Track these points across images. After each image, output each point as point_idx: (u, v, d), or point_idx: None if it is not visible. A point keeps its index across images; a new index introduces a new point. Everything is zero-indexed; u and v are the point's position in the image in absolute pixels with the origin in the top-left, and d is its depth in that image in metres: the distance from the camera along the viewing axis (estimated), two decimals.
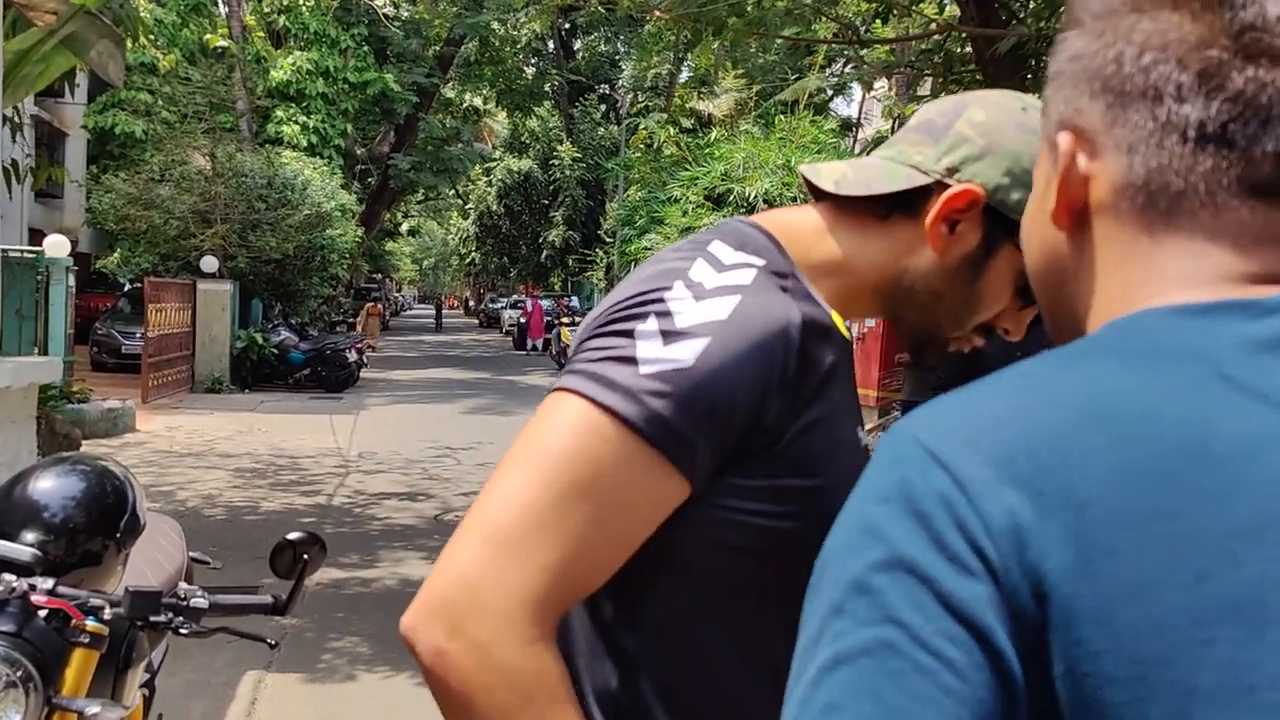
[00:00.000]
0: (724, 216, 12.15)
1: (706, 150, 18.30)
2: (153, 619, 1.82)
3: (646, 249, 16.10)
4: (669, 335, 0.92)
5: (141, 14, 9.31)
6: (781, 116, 17.91)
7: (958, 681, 0.52)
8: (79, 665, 1.78)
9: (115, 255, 20.88)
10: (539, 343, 29.29)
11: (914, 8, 11.42)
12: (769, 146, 16.27)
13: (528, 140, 40.65)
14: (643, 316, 0.94)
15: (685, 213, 16.39)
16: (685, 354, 0.91)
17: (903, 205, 1.05)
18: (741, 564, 0.98)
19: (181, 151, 18.11)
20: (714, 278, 0.97)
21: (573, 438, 0.90)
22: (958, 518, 0.54)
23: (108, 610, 1.79)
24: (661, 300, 0.94)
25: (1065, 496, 0.53)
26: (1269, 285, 0.59)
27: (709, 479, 0.94)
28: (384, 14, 24.14)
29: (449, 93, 31.40)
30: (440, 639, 0.87)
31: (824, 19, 12.90)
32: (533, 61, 36.28)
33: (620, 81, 36.57)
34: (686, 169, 17.80)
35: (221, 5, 22.64)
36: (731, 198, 15.64)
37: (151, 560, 2.40)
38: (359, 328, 27.45)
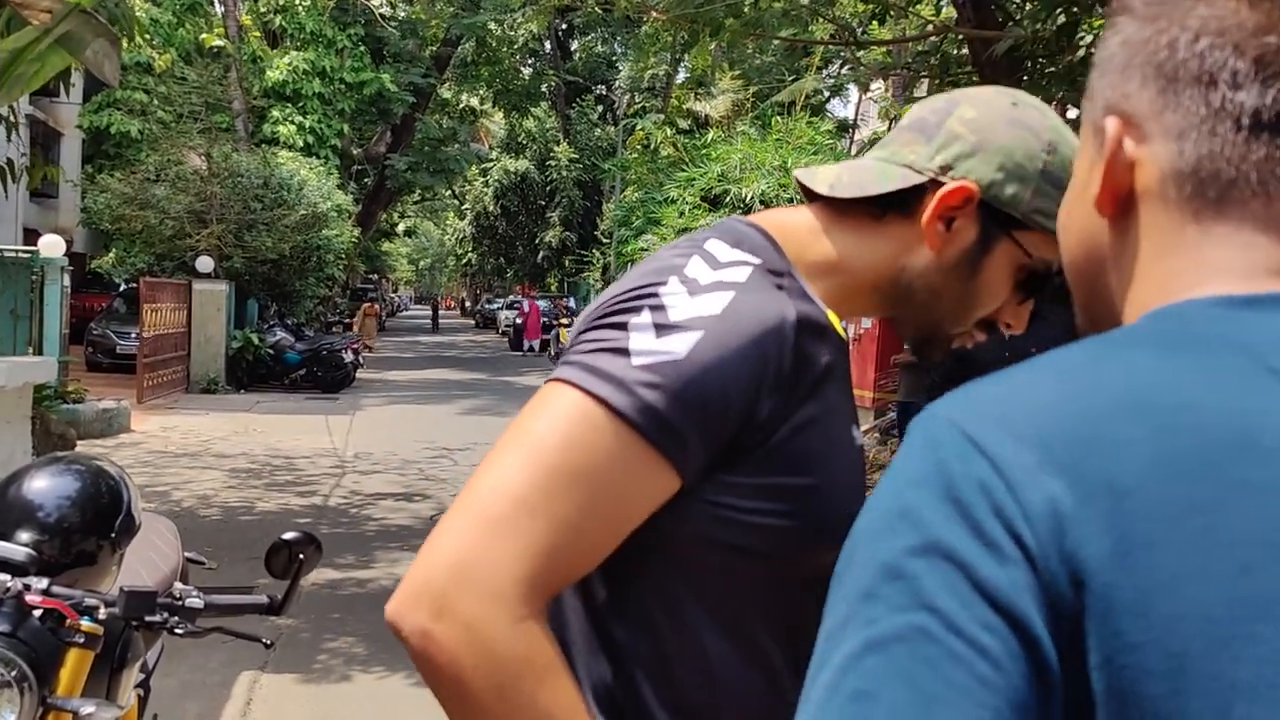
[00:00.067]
0: (720, 217, 12.16)
1: (703, 151, 18.31)
2: (148, 619, 1.82)
3: (643, 250, 16.11)
4: (662, 328, 0.92)
5: (137, 13, 9.30)
6: (778, 118, 17.93)
7: (993, 670, 0.51)
8: (74, 665, 1.77)
9: (110, 255, 20.84)
10: (535, 344, 29.28)
11: (911, 9, 11.43)
12: (766, 147, 16.28)
13: (524, 141, 40.65)
14: (637, 310, 0.94)
15: (682, 214, 16.39)
16: (677, 346, 0.91)
17: (898, 205, 1.06)
18: (735, 560, 0.98)
19: (177, 151, 18.09)
20: (709, 274, 0.97)
21: (564, 426, 0.90)
22: (996, 504, 0.53)
23: (103, 610, 1.79)
24: (656, 295, 0.95)
25: (1106, 485, 0.52)
26: None
27: (700, 474, 0.94)
28: (380, 14, 24.15)
29: (446, 93, 31.39)
30: (425, 620, 0.86)
31: (821, 20, 12.90)
32: (529, 62, 36.29)
33: (617, 82, 36.57)
34: (683, 170, 17.81)
35: (217, 5, 22.63)
36: (728, 199, 15.64)
37: (146, 560, 2.40)
38: (356, 328, 27.43)
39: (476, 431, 12.56)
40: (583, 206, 37.92)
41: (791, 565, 1.01)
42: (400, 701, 4.36)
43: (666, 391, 0.90)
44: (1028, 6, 8.99)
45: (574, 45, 38.59)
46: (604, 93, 38.40)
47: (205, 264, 17.03)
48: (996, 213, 1.04)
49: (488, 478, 0.91)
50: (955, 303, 1.08)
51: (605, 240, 27.95)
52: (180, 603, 1.87)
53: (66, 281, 12.47)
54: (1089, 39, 8.28)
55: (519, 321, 31.51)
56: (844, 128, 24.29)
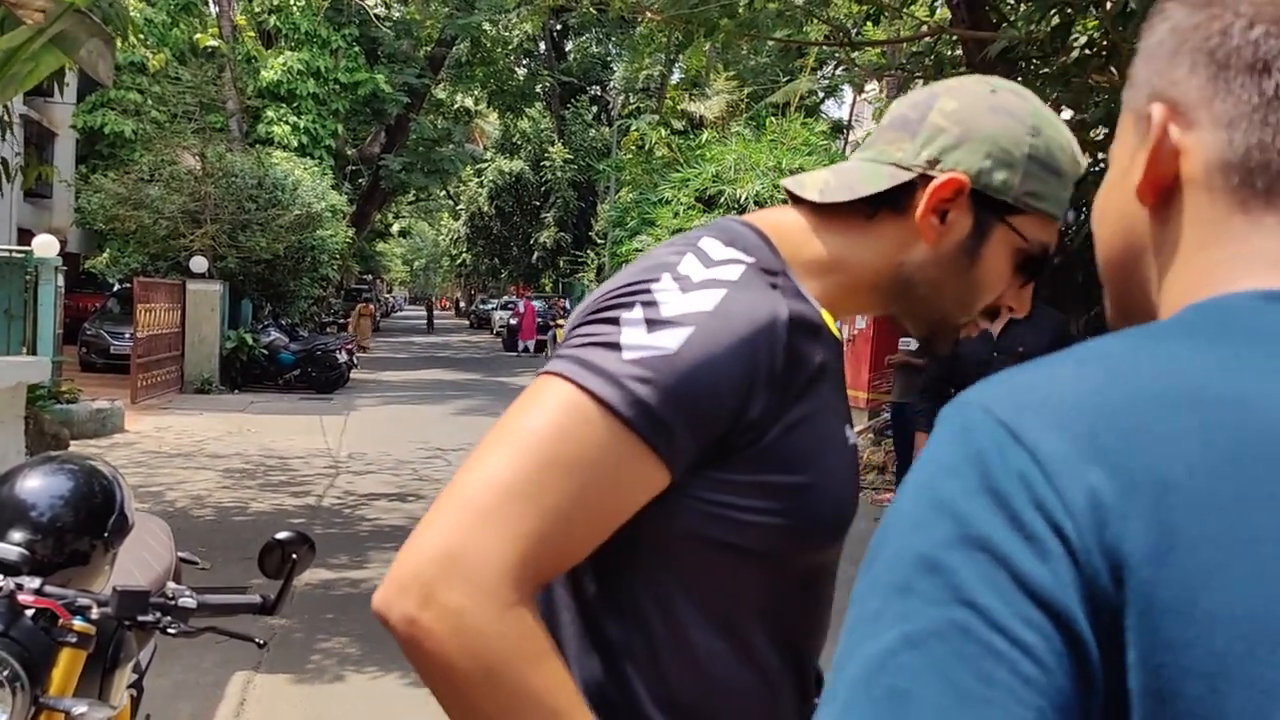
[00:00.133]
0: (715, 218, 12.16)
1: (698, 152, 18.31)
2: (140, 619, 1.81)
3: (638, 250, 16.11)
4: (653, 324, 0.93)
5: (131, 13, 9.29)
6: (773, 118, 17.94)
7: (1036, 669, 0.49)
8: (66, 665, 1.77)
9: (104, 255, 20.79)
10: (530, 344, 29.24)
11: (905, 10, 11.45)
12: (760, 148, 16.29)
13: (519, 141, 40.62)
14: (629, 305, 0.95)
15: (676, 214, 16.39)
16: (668, 342, 0.92)
17: (889, 203, 1.06)
18: (727, 558, 0.98)
19: (171, 151, 18.06)
20: (702, 272, 0.98)
21: (554, 418, 0.91)
22: (1036, 496, 0.51)
23: (95, 610, 1.78)
24: (648, 291, 0.96)
25: (1149, 477, 0.50)
26: None
27: (690, 469, 0.94)
28: (375, 14, 24.10)
29: (440, 93, 31.37)
30: (412, 609, 0.86)
31: (815, 21, 12.92)
32: (524, 62, 36.28)
33: (612, 83, 36.57)
34: (678, 170, 17.81)
35: (212, 5, 22.58)
36: (723, 199, 15.65)
37: (140, 560, 2.39)
38: (351, 328, 27.41)
39: (470, 432, 12.54)
40: (577, 207, 37.91)
41: (784, 563, 1.01)
42: (394, 701, 4.36)
43: (656, 386, 0.90)
44: (1022, 8, 9.01)
45: (569, 46, 38.58)
46: (599, 93, 38.39)
47: (199, 264, 17.00)
48: (988, 200, 1.04)
49: (477, 468, 0.91)
50: (958, 293, 1.08)
51: (600, 241, 27.94)
52: (173, 602, 1.87)
53: (60, 281, 12.44)
54: (1082, 40, 8.31)
55: (513, 322, 31.47)
56: (838, 129, 24.31)
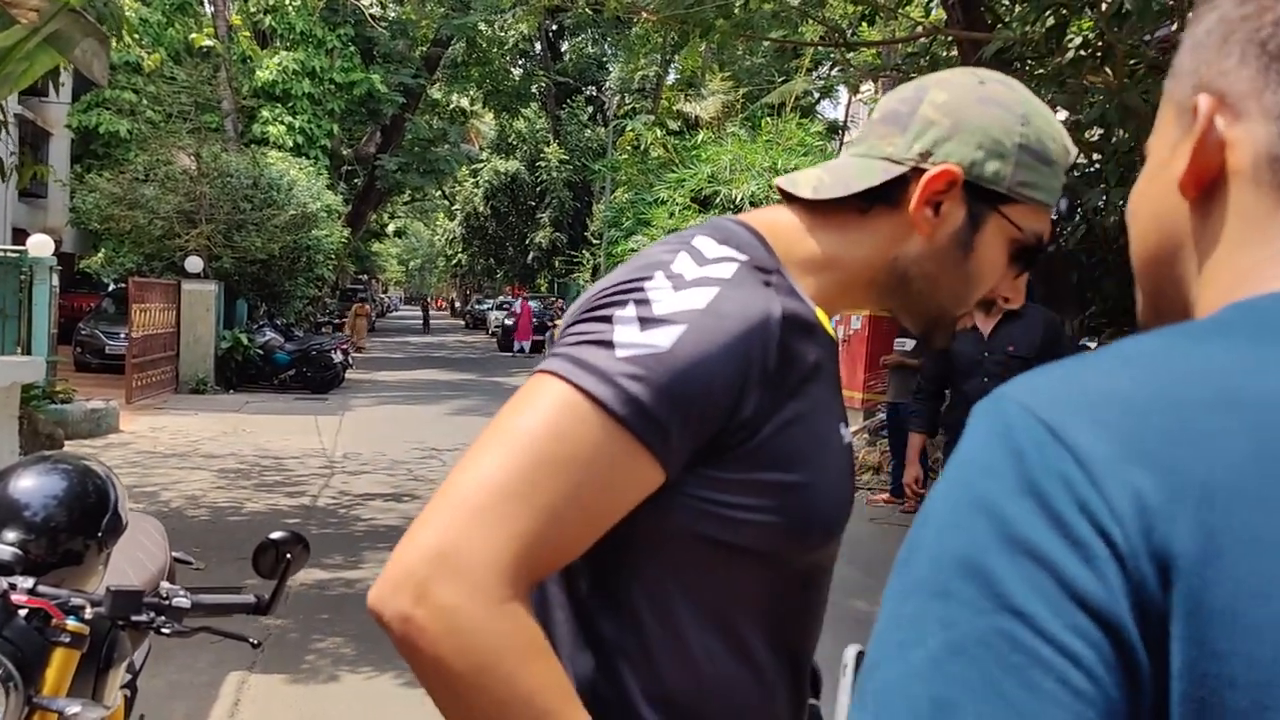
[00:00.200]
0: (710, 218, 12.18)
1: (693, 152, 18.34)
2: (134, 618, 1.81)
3: (633, 250, 16.11)
4: (646, 322, 0.93)
5: (126, 13, 9.28)
6: (768, 119, 17.96)
7: (1085, 679, 0.47)
8: (59, 665, 1.77)
9: (99, 255, 20.78)
10: (525, 345, 29.21)
11: (900, 11, 11.46)
12: (756, 149, 16.31)
13: (515, 142, 40.61)
14: (622, 304, 0.95)
15: (672, 214, 16.41)
16: (660, 339, 0.92)
17: (882, 198, 1.06)
18: (721, 555, 0.99)
19: (166, 151, 18.04)
20: (694, 270, 0.98)
21: (548, 416, 0.91)
22: (1079, 498, 0.49)
23: (89, 610, 1.78)
24: (641, 289, 0.96)
25: (1193, 479, 0.48)
26: None
27: (684, 467, 0.95)
28: (371, 14, 24.08)
29: (436, 94, 31.36)
30: (406, 605, 0.86)
31: (811, 22, 12.93)
32: (520, 63, 36.26)
33: (607, 83, 36.56)
34: (673, 171, 17.83)
35: (207, 4, 22.55)
36: (718, 200, 15.66)
37: (134, 560, 2.39)
38: (348, 328, 27.39)
39: (465, 432, 12.54)
40: (573, 207, 37.92)
41: (779, 561, 1.01)
42: (389, 701, 4.35)
43: (649, 383, 0.90)
44: (1017, 8, 9.02)
45: (564, 46, 38.58)
46: (594, 94, 38.40)
47: (194, 264, 16.98)
48: (981, 191, 1.05)
49: (471, 466, 0.91)
50: (954, 285, 1.09)
51: (595, 241, 27.96)
52: (167, 602, 1.86)
53: (55, 281, 12.42)
54: (1077, 41, 8.32)
55: (508, 323, 31.45)
56: (834, 129, 24.32)
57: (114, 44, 6.70)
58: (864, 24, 12.18)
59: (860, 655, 0.79)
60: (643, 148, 22.22)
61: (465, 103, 34.07)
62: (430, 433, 12.58)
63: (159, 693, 4.05)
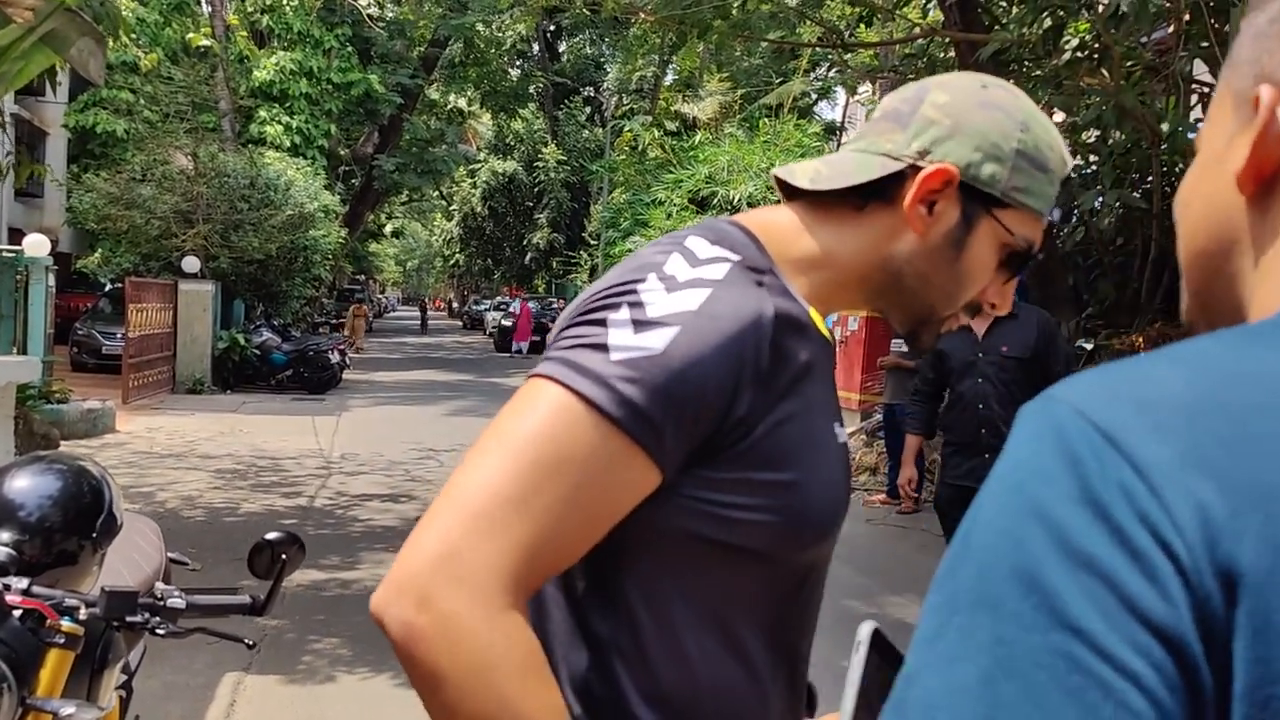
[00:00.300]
0: (707, 219, 12.19)
1: (691, 153, 18.35)
2: (129, 619, 1.80)
3: (630, 251, 16.15)
4: (640, 324, 0.93)
5: (123, 12, 9.27)
6: (766, 120, 17.98)
7: (1148, 704, 0.45)
8: (54, 666, 1.76)
9: (96, 255, 20.75)
10: (524, 346, 29.19)
11: (898, 12, 11.47)
12: (753, 150, 16.32)
13: (512, 142, 40.63)
14: (616, 307, 0.95)
15: (670, 215, 16.42)
16: (655, 342, 0.92)
17: (878, 194, 1.07)
18: (716, 554, 0.99)
19: (163, 151, 18.03)
20: (687, 271, 0.98)
21: (544, 421, 0.92)
22: (1140, 509, 0.46)
23: (83, 610, 1.78)
24: (635, 291, 0.96)
25: (1259, 491, 0.46)
26: None
27: (680, 468, 0.95)
28: (368, 14, 24.09)
29: (433, 94, 31.36)
30: (409, 612, 0.87)
31: (808, 23, 12.94)
32: (517, 63, 36.26)
33: (605, 84, 36.59)
34: (671, 172, 17.85)
35: (204, 4, 22.55)
36: (716, 200, 15.67)
37: (129, 560, 2.39)
38: (347, 329, 27.39)
39: (463, 433, 12.54)
40: (570, 208, 37.93)
41: (774, 561, 1.01)
42: (385, 703, 4.35)
43: (644, 385, 0.91)
44: (1014, 10, 9.03)
45: (562, 47, 38.60)
46: (592, 94, 38.41)
47: (191, 264, 16.97)
48: (976, 193, 1.05)
49: (470, 473, 0.91)
50: (944, 285, 1.09)
51: (593, 242, 27.97)
52: (162, 603, 1.86)
53: (51, 281, 12.41)
54: (1074, 43, 8.33)
55: (505, 323, 31.43)
56: (831, 130, 24.35)
57: (111, 43, 6.69)
58: (861, 25, 12.18)
59: (876, 633, 0.77)
60: (640, 148, 22.24)
61: (463, 103, 34.07)
62: (428, 433, 12.57)
63: (154, 694, 4.05)
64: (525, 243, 40.41)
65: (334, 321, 29.21)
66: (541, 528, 0.89)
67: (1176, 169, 8.88)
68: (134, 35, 18.37)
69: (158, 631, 1.86)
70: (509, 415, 0.94)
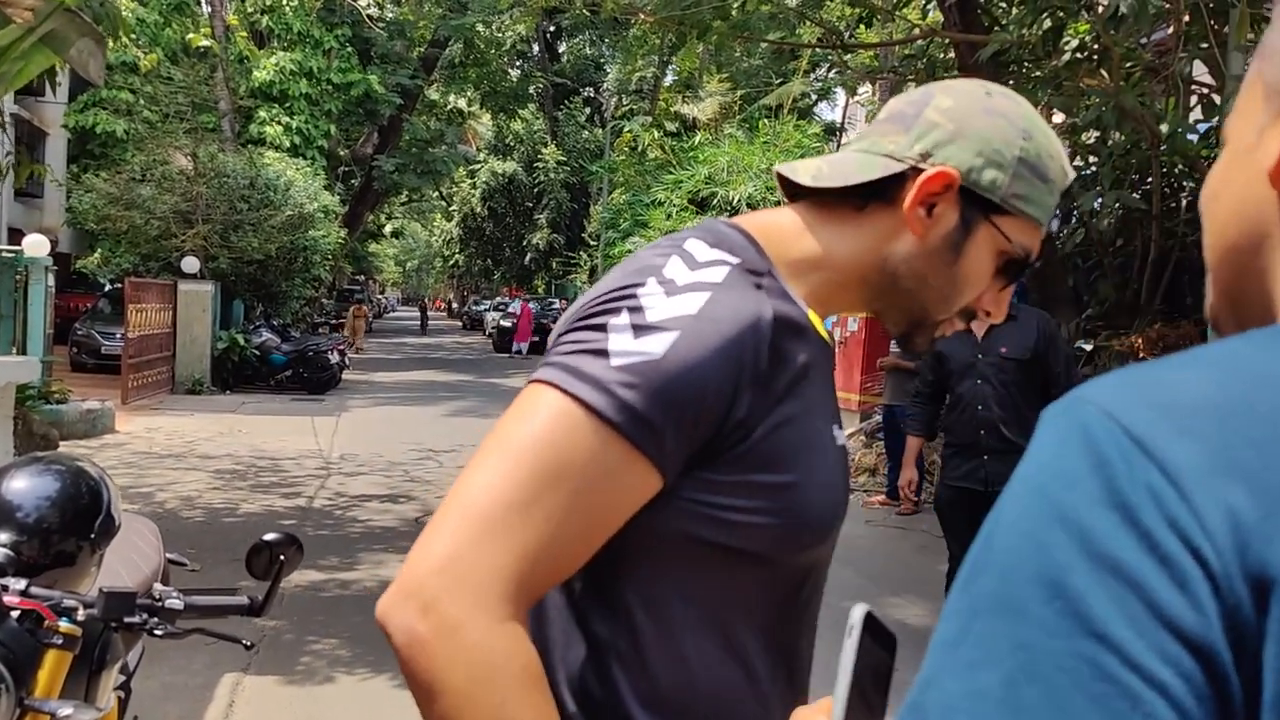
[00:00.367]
0: (706, 220, 12.20)
1: (691, 154, 18.35)
2: (127, 620, 1.80)
3: (630, 252, 16.15)
4: (640, 329, 0.94)
5: (123, 13, 9.27)
6: (765, 120, 17.98)
7: (1176, 715, 0.43)
8: (52, 666, 1.76)
9: (95, 255, 20.76)
10: (524, 346, 29.19)
11: (897, 13, 11.47)
12: (753, 150, 16.33)
13: (512, 143, 40.64)
14: (616, 311, 0.96)
15: (669, 216, 16.42)
16: (655, 347, 0.92)
17: (879, 194, 1.07)
18: (715, 556, 0.99)
19: (163, 151, 18.04)
20: (687, 274, 0.98)
21: (545, 427, 0.92)
22: (1169, 513, 0.45)
23: (81, 611, 1.77)
24: (634, 296, 0.96)
25: None
26: None
27: (681, 471, 0.96)
28: (368, 15, 24.10)
29: (433, 94, 31.37)
30: (413, 619, 0.88)
31: (808, 23, 12.94)
32: (517, 64, 36.28)
33: (605, 84, 36.59)
34: (671, 172, 17.85)
35: (204, 5, 22.55)
36: (715, 201, 15.67)
37: (127, 561, 2.38)
38: (347, 329, 27.39)
39: (462, 433, 12.54)
40: (570, 208, 37.93)
41: (772, 563, 1.02)
42: (384, 704, 4.35)
43: (644, 391, 0.91)
44: (1014, 11, 9.03)
45: (562, 47, 38.60)
46: (592, 95, 38.42)
47: (191, 264, 16.97)
48: (976, 198, 1.06)
49: (473, 480, 0.92)
50: (940, 288, 1.09)
51: (593, 242, 27.97)
52: (160, 604, 1.86)
53: (51, 281, 12.41)
54: (1073, 44, 8.33)
55: (504, 324, 31.44)
56: (831, 131, 24.37)
57: (111, 44, 6.70)
58: (861, 26, 12.18)
59: (869, 616, 0.77)
60: (640, 149, 22.25)
61: (463, 103, 34.09)
62: (427, 434, 12.57)
63: (153, 694, 4.05)
64: (525, 243, 40.41)
65: (333, 322, 29.23)
66: (544, 535, 0.90)
67: (1176, 170, 8.88)
68: (134, 35, 18.37)
69: (156, 632, 1.85)
70: (511, 421, 0.95)
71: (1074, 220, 9.33)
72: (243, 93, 22.85)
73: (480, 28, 26.75)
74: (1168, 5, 7.24)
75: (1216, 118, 7.60)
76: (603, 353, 0.93)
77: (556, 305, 32.08)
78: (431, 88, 30.19)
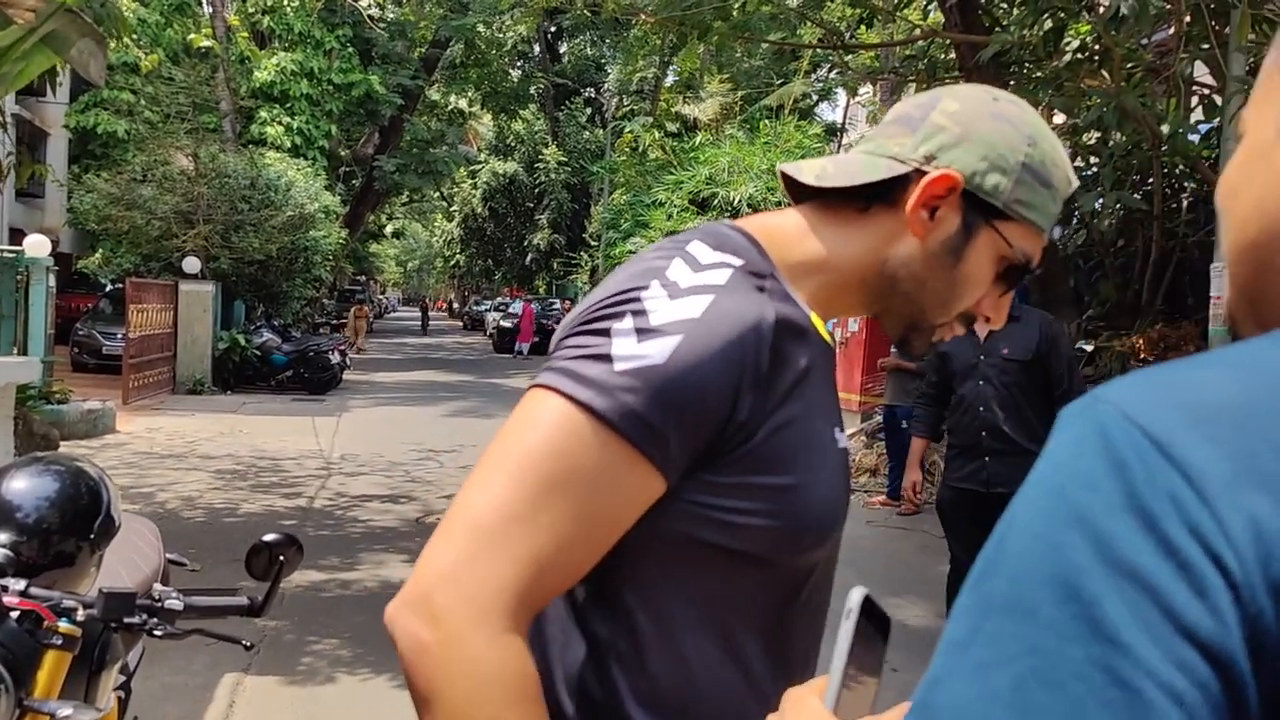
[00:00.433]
0: (708, 220, 12.21)
1: (691, 154, 18.35)
2: (127, 620, 1.80)
3: (631, 253, 16.14)
4: (643, 333, 0.94)
5: (124, 13, 9.27)
6: (766, 121, 17.97)
7: None
8: (51, 667, 1.76)
9: (97, 255, 20.77)
10: (525, 347, 29.20)
11: (898, 14, 11.47)
12: (754, 151, 16.32)
13: (513, 143, 40.64)
14: (619, 316, 0.96)
15: (670, 216, 16.42)
16: (657, 351, 0.93)
17: (882, 196, 1.07)
18: (716, 558, 0.99)
19: (164, 152, 18.04)
20: (690, 277, 0.98)
21: (549, 433, 0.92)
22: (1189, 520, 0.44)
23: (81, 612, 1.77)
24: (638, 299, 0.96)
25: None
26: None
27: (684, 474, 0.96)
28: (369, 15, 24.10)
29: (434, 95, 31.38)
30: (416, 626, 0.89)
31: (809, 24, 12.94)
32: (518, 64, 36.28)
33: (606, 85, 36.59)
34: (671, 173, 17.84)
35: (205, 5, 22.56)
36: (716, 201, 15.67)
37: (127, 561, 2.38)
38: (349, 330, 27.40)
39: (463, 433, 12.54)
40: (571, 209, 37.93)
41: (773, 565, 1.01)
42: (384, 704, 4.35)
43: (648, 395, 0.91)
44: (1015, 12, 9.03)
45: (563, 48, 38.60)
46: (593, 95, 38.42)
47: (192, 265, 16.98)
48: (979, 202, 1.06)
49: (478, 489, 0.92)
50: (940, 292, 1.09)
51: (593, 243, 27.97)
52: (159, 604, 1.85)
53: (52, 281, 12.42)
54: (1074, 44, 8.33)
55: (504, 324, 31.44)
56: (832, 131, 24.35)
57: (112, 44, 6.70)
58: (862, 27, 12.18)
59: (867, 599, 0.77)
60: (641, 149, 22.25)
61: (463, 104, 34.09)
62: (428, 434, 12.57)
63: (153, 695, 4.05)
64: (526, 244, 40.40)
65: (334, 322, 29.24)
66: (549, 544, 0.90)
67: (1177, 171, 8.88)
68: (135, 36, 18.39)
69: (155, 633, 1.85)
70: (514, 429, 0.95)
71: (1075, 221, 9.33)
72: (244, 93, 22.86)
73: (481, 28, 26.76)
74: (1169, 6, 7.24)
75: (1218, 118, 7.59)
76: (606, 357, 0.93)
77: (557, 306, 32.11)
78: (432, 88, 30.20)
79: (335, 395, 17.08)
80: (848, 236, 1.08)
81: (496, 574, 0.89)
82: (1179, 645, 0.43)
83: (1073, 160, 7.82)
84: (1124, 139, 8.54)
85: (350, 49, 24.36)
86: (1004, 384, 4.46)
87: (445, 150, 30.35)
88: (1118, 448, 0.47)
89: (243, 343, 17.45)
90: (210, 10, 21.80)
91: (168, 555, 2.66)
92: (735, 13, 10.28)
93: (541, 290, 40.86)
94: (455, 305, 65.05)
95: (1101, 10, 7.51)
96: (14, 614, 1.73)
